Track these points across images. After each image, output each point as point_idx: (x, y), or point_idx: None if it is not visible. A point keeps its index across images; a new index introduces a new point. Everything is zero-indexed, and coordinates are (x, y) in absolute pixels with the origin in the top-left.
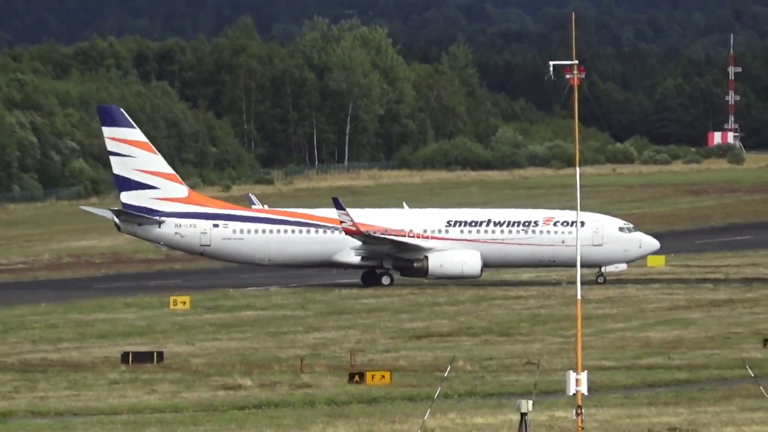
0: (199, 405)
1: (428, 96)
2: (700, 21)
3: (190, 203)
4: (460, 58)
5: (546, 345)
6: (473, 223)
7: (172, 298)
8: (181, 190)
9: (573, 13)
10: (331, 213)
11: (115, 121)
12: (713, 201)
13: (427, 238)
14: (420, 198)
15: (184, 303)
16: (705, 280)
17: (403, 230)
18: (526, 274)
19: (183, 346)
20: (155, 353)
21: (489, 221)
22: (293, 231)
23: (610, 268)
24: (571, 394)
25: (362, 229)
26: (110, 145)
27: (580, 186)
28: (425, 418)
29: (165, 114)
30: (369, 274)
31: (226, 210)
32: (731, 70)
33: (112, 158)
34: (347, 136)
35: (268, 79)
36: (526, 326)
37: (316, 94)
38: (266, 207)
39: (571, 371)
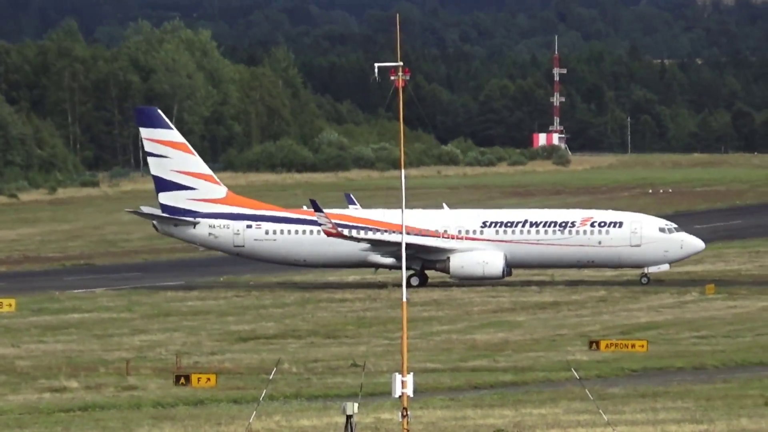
0: (24, 407)
1: (253, 98)
2: (525, 23)
3: (226, 203)
4: (281, 59)
5: (372, 347)
6: (509, 224)
7: None
8: (219, 190)
9: (397, 15)
10: (367, 214)
11: (152, 122)
12: (538, 203)
13: (462, 238)
14: None
15: (10, 305)
16: (530, 283)
17: (437, 231)
18: (352, 276)
19: (8, 349)
20: None
21: (525, 222)
22: None
23: (652, 269)
24: (396, 396)
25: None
26: (147, 146)
27: (406, 188)
28: (251, 420)
29: None
30: (418, 275)
31: (262, 210)
32: (556, 71)
33: (149, 159)
34: None
35: (92, 81)
36: (351, 328)
37: (140, 96)
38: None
39: (396, 373)
